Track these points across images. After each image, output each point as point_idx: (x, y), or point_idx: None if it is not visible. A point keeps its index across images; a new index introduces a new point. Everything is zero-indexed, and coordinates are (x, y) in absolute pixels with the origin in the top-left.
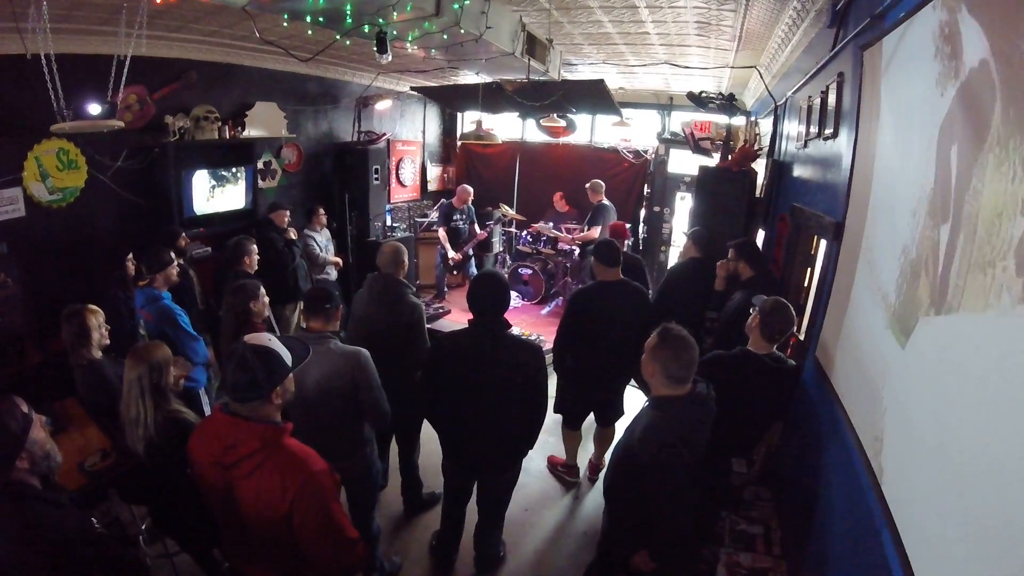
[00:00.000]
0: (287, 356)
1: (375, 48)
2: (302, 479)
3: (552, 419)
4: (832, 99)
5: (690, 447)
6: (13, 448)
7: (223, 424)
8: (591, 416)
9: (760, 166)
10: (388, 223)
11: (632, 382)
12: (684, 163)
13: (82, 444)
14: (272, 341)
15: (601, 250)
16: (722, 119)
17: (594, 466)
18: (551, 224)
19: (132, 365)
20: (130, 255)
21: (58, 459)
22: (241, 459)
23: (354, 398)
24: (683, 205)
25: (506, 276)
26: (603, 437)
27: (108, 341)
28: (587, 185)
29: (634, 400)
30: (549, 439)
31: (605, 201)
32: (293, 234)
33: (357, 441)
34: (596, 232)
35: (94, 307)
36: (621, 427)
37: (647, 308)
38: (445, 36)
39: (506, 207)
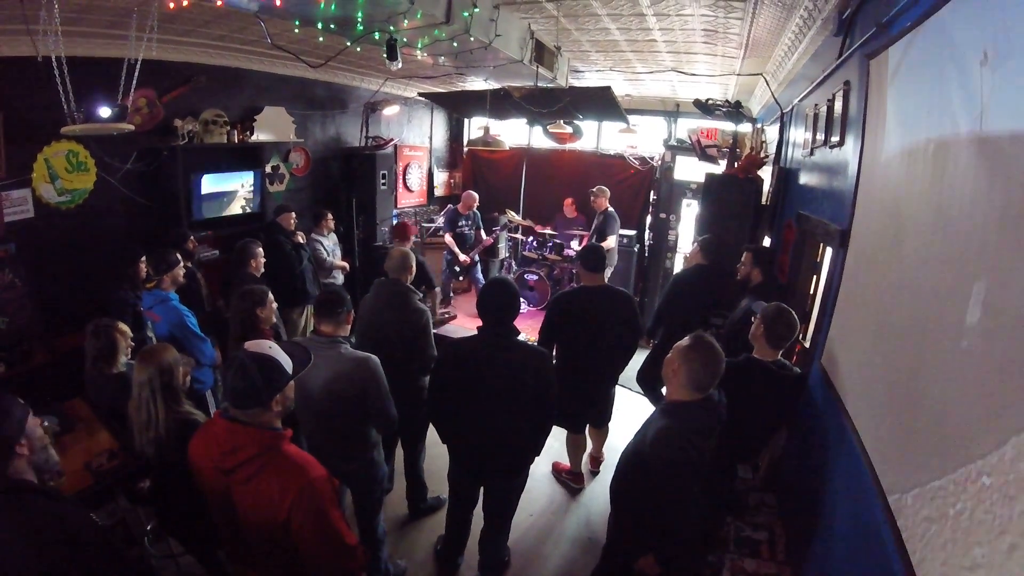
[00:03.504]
0: (287, 363)
1: (385, 55)
2: (300, 485)
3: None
4: (839, 107)
5: (700, 452)
6: (15, 431)
7: (222, 429)
8: None
9: (766, 173)
10: None
11: (635, 386)
12: (690, 170)
13: (89, 444)
14: (272, 348)
15: (584, 255)
16: (728, 126)
17: (594, 459)
18: (549, 230)
19: (142, 368)
20: (143, 257)
21: (55, 457)
22: (240, 464)
23: (362, 403)
24: (689, 212)
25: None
26: (598, 433)
27: (130, 355)
28: (592, 191)
29: (631, 401)
30: (554, 444)
31: (610, 208)
32: (301, 237)
33: (363, 444)
34: (610, 242)
35: (123, 326)
36: (619, 426)
37: (634, 314)
38: (454, 43)
39: (512, 213)
